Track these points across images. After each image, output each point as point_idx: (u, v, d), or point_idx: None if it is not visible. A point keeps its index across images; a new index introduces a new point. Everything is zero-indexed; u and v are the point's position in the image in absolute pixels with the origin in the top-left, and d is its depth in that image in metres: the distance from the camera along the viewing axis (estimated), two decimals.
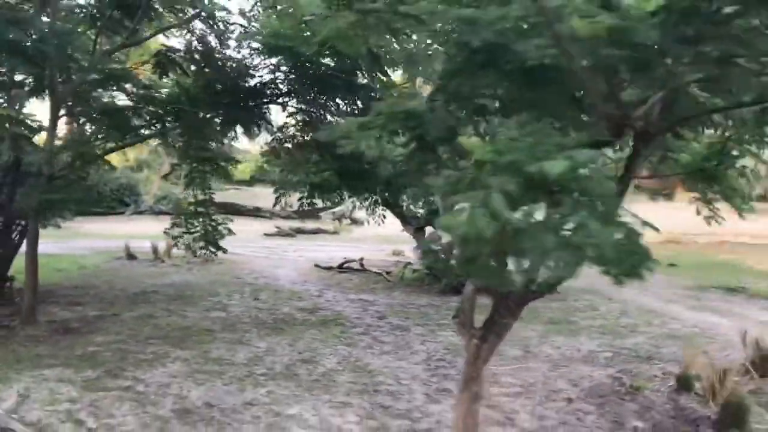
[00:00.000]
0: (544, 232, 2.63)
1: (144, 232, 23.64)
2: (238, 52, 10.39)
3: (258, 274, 14.29)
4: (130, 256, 15.99)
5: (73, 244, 18.76)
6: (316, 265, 15.35)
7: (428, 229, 12.94)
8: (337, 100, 10.34)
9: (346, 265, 14.83)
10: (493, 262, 2.94)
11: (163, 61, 10.29)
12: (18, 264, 10.30)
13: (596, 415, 6.06)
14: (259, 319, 9.78)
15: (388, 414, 5.96)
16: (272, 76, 10.24)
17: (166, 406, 6.02)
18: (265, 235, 25.65)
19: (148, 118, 10.23)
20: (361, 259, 14.96)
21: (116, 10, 9.47)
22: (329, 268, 14.86)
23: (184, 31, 10.51)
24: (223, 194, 25.67)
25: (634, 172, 3.96)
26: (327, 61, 9.54)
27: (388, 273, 13.90)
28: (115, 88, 10.31)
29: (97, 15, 9.76)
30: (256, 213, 29.67)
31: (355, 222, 28.35)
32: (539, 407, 6.25)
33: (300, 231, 26.37)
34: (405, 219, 12.80)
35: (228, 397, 6.30)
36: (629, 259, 2.82)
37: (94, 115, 10.23)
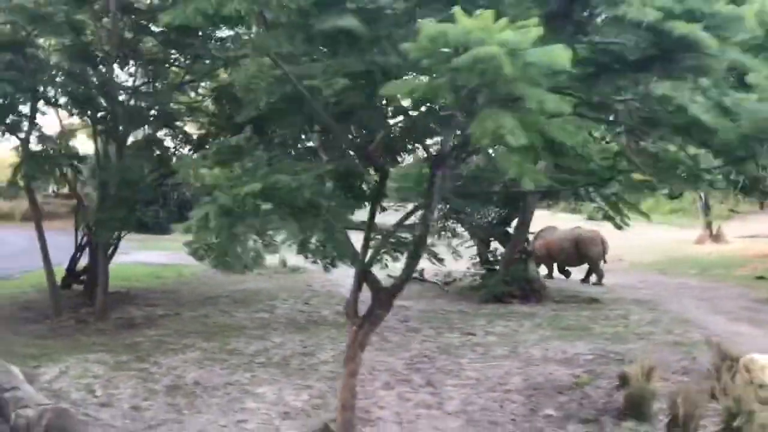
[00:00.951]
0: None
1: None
2: None
3: (328, 283, 15.48)
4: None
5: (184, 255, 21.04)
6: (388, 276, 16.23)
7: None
8: None
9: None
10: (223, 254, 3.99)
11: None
12: (122, 272, 12.39)
13: (519, 404, 6.64)
14: (295, 319, 11.01)
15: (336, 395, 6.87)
16: None
17: (162, 383, 7.36)
18: None
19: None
20: (422, 270, 15.60)
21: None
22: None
23: None
24: None
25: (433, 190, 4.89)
26: None
27: (446, 284, 14.57)
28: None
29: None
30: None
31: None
32: (474, 395, 6.92)
33: None
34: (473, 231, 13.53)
35: (215, 378, 7.54)
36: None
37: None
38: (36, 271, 12.29)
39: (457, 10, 3.04)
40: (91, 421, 6.24)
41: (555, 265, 16.82)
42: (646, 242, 26.21)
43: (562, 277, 16.60)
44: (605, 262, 16.18)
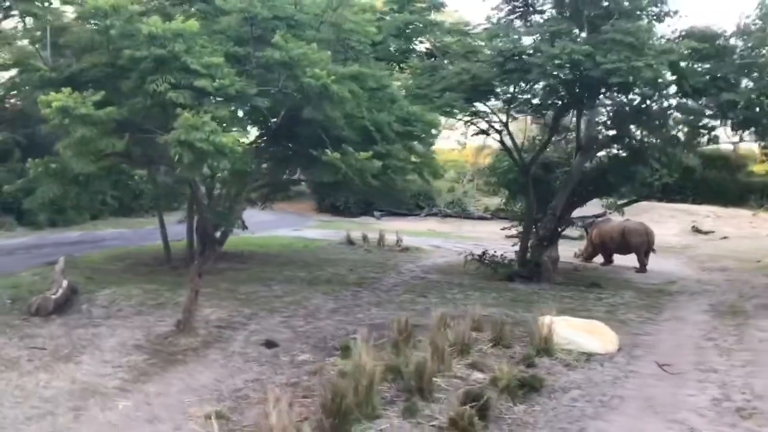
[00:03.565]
0: None
1: (417, 228, 29.63)
2: None
3: (416, 260, 18.60)
4: (349, 242, 21.72)
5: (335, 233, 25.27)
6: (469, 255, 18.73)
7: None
8: None
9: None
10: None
11: None
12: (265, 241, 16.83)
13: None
14: (342, 280, 14.18)
15: (289, 333, 10.01)
16: None
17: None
18: None
19: None
20: (485, 251, 17.84)
21: None
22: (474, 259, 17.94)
23: None
24: None
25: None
26: None
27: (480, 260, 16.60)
28: None
29: None
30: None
31: None
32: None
33: None
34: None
35: (221, 312, 11.21)
36: None
37: None
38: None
39: None
40: None
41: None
42: None
43: (630, 264, 18.17)
44: (653, 251, 17.70)
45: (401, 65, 14.43)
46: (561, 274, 16.05)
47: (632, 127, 13.85)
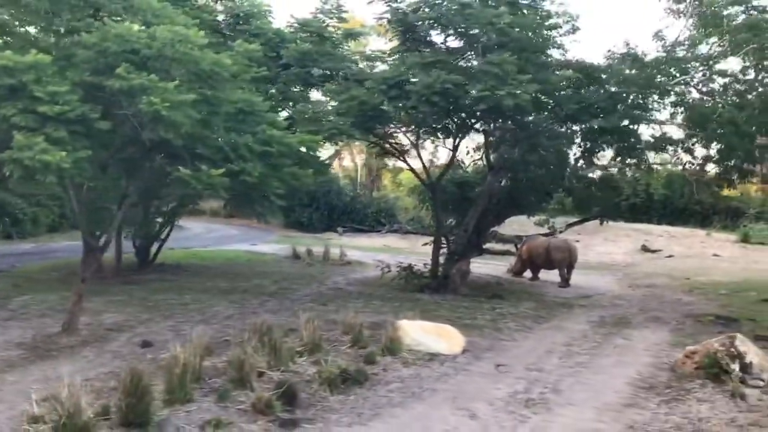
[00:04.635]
0: None
1: (374, 244, 30.50)
2: None
3: (350, 273, 19.45)
4: (295, 256, 22.59)
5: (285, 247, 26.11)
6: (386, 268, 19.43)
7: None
8: None
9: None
10: None
11: None
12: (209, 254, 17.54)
13: None
14: (259, 291, 15.03)
15: (171, 335, 10.97)
16: None
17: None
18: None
19: None
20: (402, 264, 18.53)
21: None
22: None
23: None
24: None
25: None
26: None
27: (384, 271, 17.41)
28: None
29: None
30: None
31: None
32: None
33: None
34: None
35: (119, 317, 12.07)
36: None
37: None
38: None
39: None
40: None
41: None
42: (762, 265, 26.84)
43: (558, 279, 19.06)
44: (570, 267, 18.64)
45: (322, 89, 15.35)
46: (477, 286, 16.93)
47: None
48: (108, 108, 7.88)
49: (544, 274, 19.86)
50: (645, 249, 30.79)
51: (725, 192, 52.53)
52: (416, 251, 28.92)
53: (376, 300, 14.24)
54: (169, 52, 7.71)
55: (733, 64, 13.48)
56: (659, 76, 13.30)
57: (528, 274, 20.42)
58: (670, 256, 29.30)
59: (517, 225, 23.02)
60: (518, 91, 11.24)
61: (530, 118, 12.93)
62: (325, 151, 17.61)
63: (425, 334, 9.66)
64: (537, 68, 12.59)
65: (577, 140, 13.73)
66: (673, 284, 21.10)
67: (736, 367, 8.26)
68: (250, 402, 6.72)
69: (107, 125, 7.82)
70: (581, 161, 14.81)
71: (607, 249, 30.98)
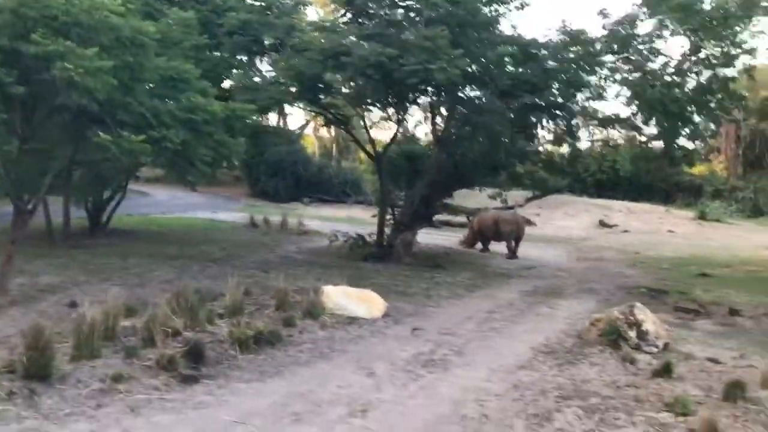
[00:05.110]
0: None
1: (337, 215, 30.78)
2: None
3: (304, 242, 19.74)
4: (252, 224, 22.85)
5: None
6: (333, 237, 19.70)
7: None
8: None
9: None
10: None
11: None
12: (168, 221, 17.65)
13: None
14: (205, 257, 15.26)
15: (102, 297, 11.20)
16: None
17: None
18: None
19: None
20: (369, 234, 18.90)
21: None
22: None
23: None
24: None
25: None
26: None
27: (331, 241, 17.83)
28: None
29: None
30: None
31: None
32: None
33: None
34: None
35: (55, 279, 12.25)
36: None
37: None
38: None
39: None
40: None
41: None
42: (715, 243, 27.61)
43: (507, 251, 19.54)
44: (518, 239, 19.16)
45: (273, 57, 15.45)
46: (424, 256, 17.32)
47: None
48: (25, 73, 8.04)
49: (497, 247, 20.32)
50: (602, 224, 31.41)
51: (690, 170, 53.60)
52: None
53: (319, 268, 14.57)
54: (85, 19, 7.87)
55: (672, 44, 13.83)
56: (598, 53, 13.60)
57: (480, 246, 20.88)
58: (625, 231, 29.97)
59: (481, 199, 23.40)
60: (447, 66, 11.48)
61: (469, 93, 13.19)
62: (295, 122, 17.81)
63: (348, 298, 10.01)
64: (476, 44, 12.83)
65: (511, 116, 14.02)
66: (620, 258, 21.69)
67: (633, 334, 8.71)
68: (156, 359, 7.02)
69: (21, 90, 7.99)
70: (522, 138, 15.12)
71: (565, 223, 31.56)
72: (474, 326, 10.03)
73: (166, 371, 6.87)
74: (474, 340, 9.13)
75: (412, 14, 13.57)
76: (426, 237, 22.94)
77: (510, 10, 14.98)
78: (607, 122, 17.58)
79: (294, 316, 9.31)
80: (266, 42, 14.09)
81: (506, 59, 13.01)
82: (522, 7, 15.19)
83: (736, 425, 5.95)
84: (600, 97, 14.39)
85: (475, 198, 23.08)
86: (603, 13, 15.17)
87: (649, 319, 8.79)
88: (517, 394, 6.83)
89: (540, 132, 15.47)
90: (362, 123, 16.09)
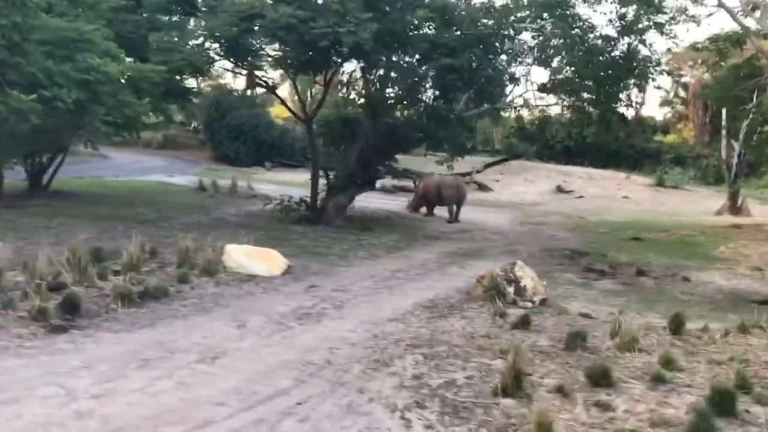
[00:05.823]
0: None
1: (296, 180, 30.94)
2: None
3: (246, 206, 19.95)
4: (201, 188, 23.02)
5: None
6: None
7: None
8: None
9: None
10: None
11: None
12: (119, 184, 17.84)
13: None
14: (135, 218, 15.44)
15: (10, 255, 11.41)
16: None
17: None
18: None
19: None
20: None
21: None
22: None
23: None
24: None
25: None
26: None
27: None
28: None
29: None
30: None
31: None
32: None
33: None
34: None
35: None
36: None
37: None
38: None
39: None
40: None
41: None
42: (665, 209, 28.14)
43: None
44: (459, 203, 19.57)
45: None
46: (360, 220, 17.61)
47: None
48: None
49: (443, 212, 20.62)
50: (559, 190, 31.84)
51: (661, 138, 53.84)
52: None
53: (245, 229, 14.71)
54: None
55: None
56: (520, 20, 13.80)
57: (424, 210, 21.22)
58: (580, 197, 30.41)
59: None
60: (357, 30, 11.62)
61: (389, 58, 13.33)
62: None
63: (248, 257, 10.29)
64: (397, 7, 12.95)
65: (429, 82, 14.21)
66: (563, 222, 22.13)
67: (511, 290, 9.07)
68: (28, 310, 7.29)
69: None
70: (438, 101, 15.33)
71: (523, 189, 31.95)
72: (371, 284, 10.36)
73: (37, 322, 7.14)
74: (363, 296, 9.46)
75: None
76: (377, 202, 23.35)
77: None
78: (543, 89, 17.80)
79: (189, 274, 9.58)
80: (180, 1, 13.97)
81: (424, 23, 13.15)
82: None
83: (554, 368, 6.34)
84: (515, 60, 14.58)
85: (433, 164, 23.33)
86: None
87: (527, 276, 9.14)
88: (372, 343, 7.16)
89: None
90: (293, 86, 16.19)
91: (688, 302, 10.74)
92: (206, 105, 35.92)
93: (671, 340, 7.66)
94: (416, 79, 13.62)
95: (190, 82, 17.80)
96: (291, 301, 8.85)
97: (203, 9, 13.41)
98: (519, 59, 14.93)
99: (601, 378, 5.84)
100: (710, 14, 18.90)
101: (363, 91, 16.27)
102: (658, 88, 31.30)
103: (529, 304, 8.92)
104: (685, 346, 7.42)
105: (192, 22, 14.78)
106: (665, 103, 54.83)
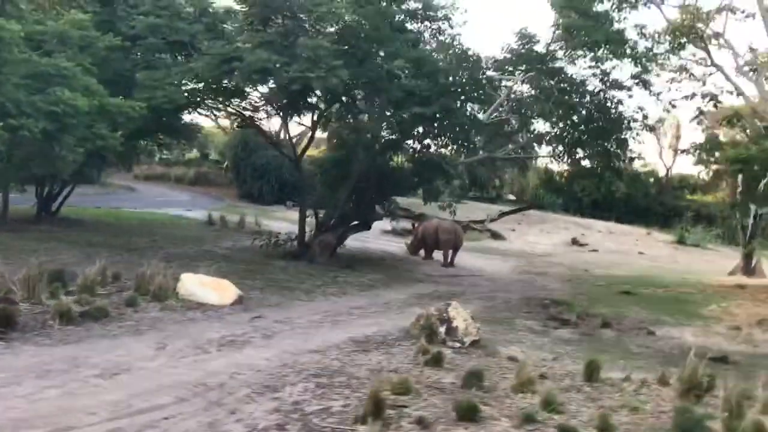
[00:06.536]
0: None
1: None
2: None
3: (247, 239, 20.48)
4: (210, 222, 23.72)
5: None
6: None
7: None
8: None
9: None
10: None
11: None
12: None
13: None
14: (129, 247, 16.12)
15: None
16: None
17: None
18: None
19: None
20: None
21: None
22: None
23: None
24: None
25: None
26: None
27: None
28: None
29: None
30: None
31: None
32: None
33: None
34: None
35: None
36: None
37: None
38: None
39: None
40: None
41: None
42: (678, 267, 27.72)
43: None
44: (455, 248, 19.75)
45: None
46: (348, 259, 17.91)
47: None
48: None
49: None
50: (574, 242, 31.57)
51: (690, 196, 53.05)
52: None
53: (228, 262, 15.25)
54: None
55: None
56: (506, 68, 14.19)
57: (423, 253, 21.42)
58: (594, 251, 30.09)
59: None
60: (328, 75, 12.12)
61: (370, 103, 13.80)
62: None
63: (201, 286, 10.68)
64: (370, 56, 13.48)
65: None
66: (562, 274, 21.97)
67: (443, 329, 9.21)
68: None
69: None
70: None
71: (537, 239, 31.79)
72: (319, 318, 10.61)
73: None
74: (301, 328, 9.70)
75: (306, 26, 14.21)
76: (384, 243, 23.70)
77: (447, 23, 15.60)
78: (538, 139, 18.03)
79: (138, 298, 10.00)
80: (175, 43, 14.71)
81: (400, 72, 13.63)
82: (447, 19, 15.79)
83: (436, 402, 6.47)
84: (483, 110, 14.90)
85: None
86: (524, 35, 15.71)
87: (459, 317, 9.27)
88: (277, 371, 7.39)
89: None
90: (285, 128, 16.81)
91: (638, 354, 10.66)
92: (233, 144, 37.00)
93: (580, 386, 7.68)
94: (393, 122, 14.06)
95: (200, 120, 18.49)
96: (225, 330, 9.15)
97: (194, 51, 14.15)
98: (499, 111, 15.20)
99: (467, 413, 5.96)
100: (711, 74, 18.99)
101: (347, 135, 16.76)
102: (641, 143, 31.18)
103: (458, 345, 9.03)
104: (589, 392, 7.44)
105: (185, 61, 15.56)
106: (700, 161, 54.13)
